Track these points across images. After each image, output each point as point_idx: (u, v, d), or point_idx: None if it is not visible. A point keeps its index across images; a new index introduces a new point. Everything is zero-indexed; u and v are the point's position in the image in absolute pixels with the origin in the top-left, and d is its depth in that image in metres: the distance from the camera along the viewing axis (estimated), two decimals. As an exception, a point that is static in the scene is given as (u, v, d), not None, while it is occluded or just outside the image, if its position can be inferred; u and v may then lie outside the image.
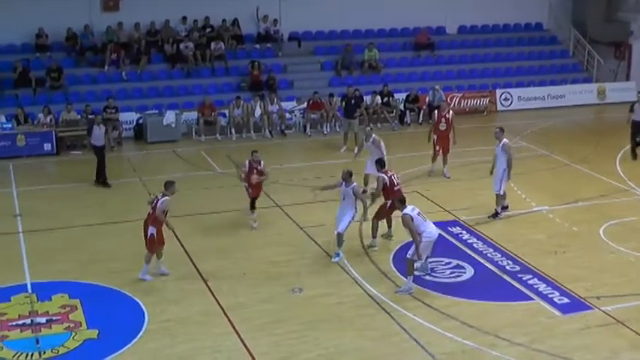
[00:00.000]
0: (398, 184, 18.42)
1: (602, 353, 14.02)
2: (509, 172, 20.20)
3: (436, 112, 24.74)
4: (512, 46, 37.39)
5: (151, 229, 16.31)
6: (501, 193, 20.46)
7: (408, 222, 15.93)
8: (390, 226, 18.87)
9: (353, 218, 17.52)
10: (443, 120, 24.01)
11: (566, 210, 21.25)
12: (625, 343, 14.41)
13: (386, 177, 18.17)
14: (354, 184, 17.40)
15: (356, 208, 17.46)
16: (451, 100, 32.64)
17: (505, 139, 20.47)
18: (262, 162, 19.59)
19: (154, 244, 16.44)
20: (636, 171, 24.74)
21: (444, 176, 23.87)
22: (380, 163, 18.67)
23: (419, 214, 16.16)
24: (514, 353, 13.78)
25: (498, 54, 36.64)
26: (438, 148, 24.05)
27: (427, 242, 16.14)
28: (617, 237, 19.15)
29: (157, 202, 16.37)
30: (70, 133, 27.48)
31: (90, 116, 27.36)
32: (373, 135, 21.68)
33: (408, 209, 16.07)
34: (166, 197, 16.37)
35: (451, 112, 24.62)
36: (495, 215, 20.51)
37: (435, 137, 24.02)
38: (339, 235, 17.54)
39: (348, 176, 17.35)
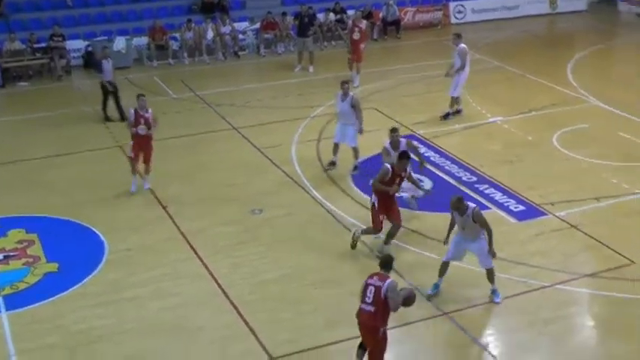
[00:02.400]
0: None
1: (557, 257, 14.41)
2: (461, 76, 20.94)
3: (350, 21, 26.05)
4: (464, -45, 36.93)
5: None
6: (455, 95, 21.14)
7: None
8: None
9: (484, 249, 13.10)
10: (356, 29, 24.98)
11: (520, 120, 21.42)
12: (578, 246, 14.89)
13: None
14: (473, 206, 12.93)
15: (483, 237, 13.03)
16: (405, 14, 32.46)
17: (462, 45, 20.99)
18: (150, 109, 17.17)
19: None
20: (587, 79, 25.01)
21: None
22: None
23: None
24: (473, 261, 13.97)
25: (450, -35, 36.16)
26: (350, 56, 25.01)
27: None
28: (570, 144, 19.43)
29: None
30: (16, 64, 26.79)
31: (49, 43, 26.76)
32: (351, 93, 18.21)
33: None
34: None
35: (365, 22, 26.01)
36: (446, 116, 21.23)
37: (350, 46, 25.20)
38: (490, 271, 13.22)
39: (459, 203, 12.81)
